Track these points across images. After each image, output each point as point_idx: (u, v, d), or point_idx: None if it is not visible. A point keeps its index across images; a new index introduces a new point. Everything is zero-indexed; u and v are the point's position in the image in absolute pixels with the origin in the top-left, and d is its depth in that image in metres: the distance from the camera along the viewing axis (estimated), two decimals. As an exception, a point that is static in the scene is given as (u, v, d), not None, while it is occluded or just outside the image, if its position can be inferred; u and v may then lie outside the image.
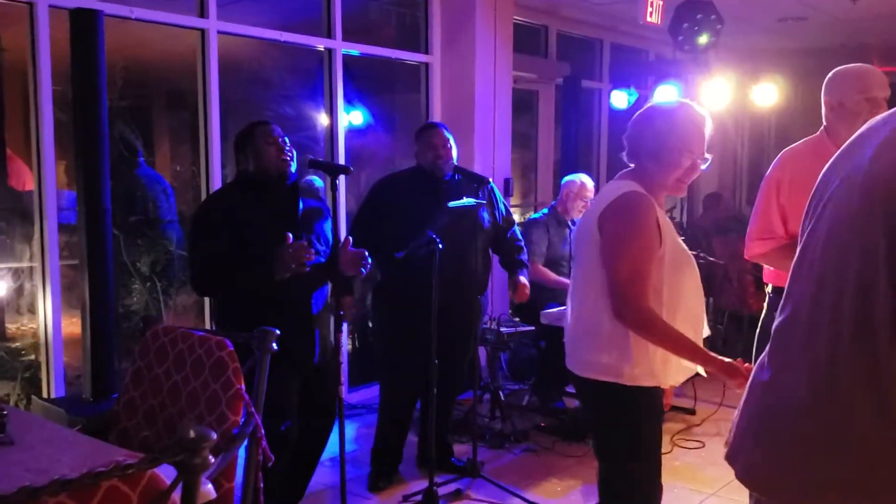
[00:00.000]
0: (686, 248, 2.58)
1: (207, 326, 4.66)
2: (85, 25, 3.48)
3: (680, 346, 2.40)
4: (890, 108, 1.48)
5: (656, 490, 2.58)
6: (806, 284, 1.39)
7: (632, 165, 2.60)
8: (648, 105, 2.68)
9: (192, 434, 1.47)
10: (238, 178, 3.32)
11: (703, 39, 5.10)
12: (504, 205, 4.18)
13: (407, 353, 3.88)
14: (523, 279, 4.06)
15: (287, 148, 3.23)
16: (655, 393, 2.52)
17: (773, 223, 2.92)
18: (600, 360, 2.47)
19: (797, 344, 1.38)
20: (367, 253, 3.27)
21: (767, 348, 1.48)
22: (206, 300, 4.72)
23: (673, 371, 2.48)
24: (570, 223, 5.18)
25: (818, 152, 2.94)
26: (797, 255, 1.44)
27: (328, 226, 3.37)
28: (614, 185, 2.56)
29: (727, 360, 2.38)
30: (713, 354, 2.40)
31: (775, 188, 2.96)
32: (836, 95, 2.93)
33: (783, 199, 2.94)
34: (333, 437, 3.36)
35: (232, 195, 3.28)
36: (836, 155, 1.44)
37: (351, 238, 3.26)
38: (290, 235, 3.00)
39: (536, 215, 5.26)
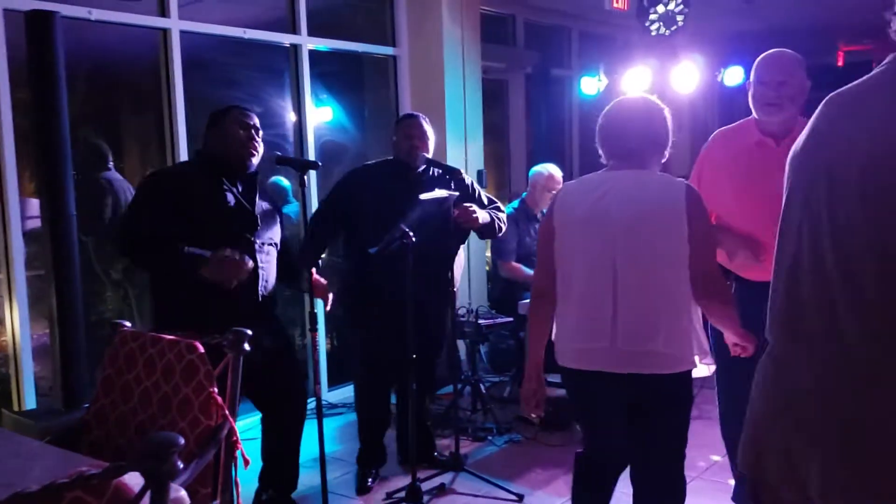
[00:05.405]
0: None
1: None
2: (41, 27, 3.40)
3: (735, 319, 2.54)
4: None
5: None
6: None
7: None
8: (642, 98, 2.66)
9: (157, 441, 1.43)
10: (197, 156, 3.24)
11: (670, 23, 5.10)
12: (483, 194, 4.06)
13: (380, 348, 3.83)
14: (472, 207, 3.73)
15: (256, 140, 3.17)
16: None
17: None
18: (683, 353, 2.49)
19: None
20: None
21: None
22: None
23: None
24: (538, 216, 5.13)
25: (744, 132, 3.01)
26: None
27: (277, 231, 3.29)
28: (659, 177, 2.55)
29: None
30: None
31: (701, 165, 3.09)
32: (750, 80, 3.03)
33: (706, 174, 3.07)
34: (313, 437, 3.31)
35: (187, 171, 3.20)
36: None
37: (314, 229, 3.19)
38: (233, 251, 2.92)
39: (507, 210, 5.20)
